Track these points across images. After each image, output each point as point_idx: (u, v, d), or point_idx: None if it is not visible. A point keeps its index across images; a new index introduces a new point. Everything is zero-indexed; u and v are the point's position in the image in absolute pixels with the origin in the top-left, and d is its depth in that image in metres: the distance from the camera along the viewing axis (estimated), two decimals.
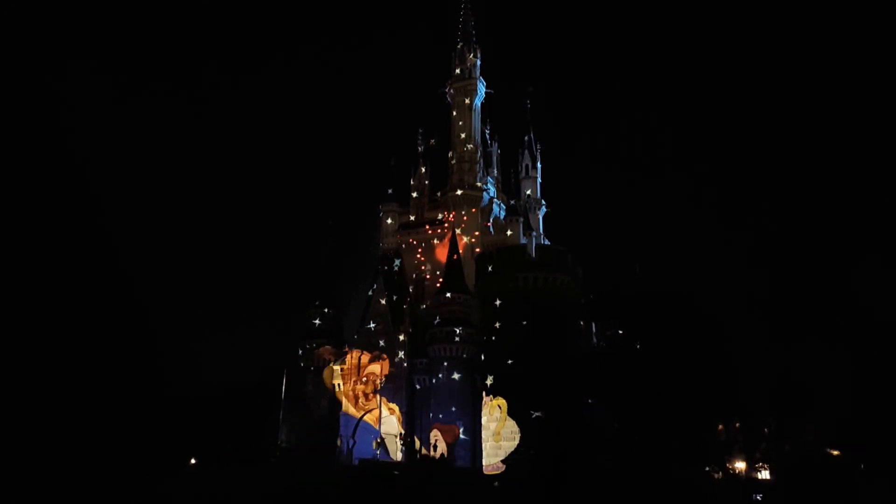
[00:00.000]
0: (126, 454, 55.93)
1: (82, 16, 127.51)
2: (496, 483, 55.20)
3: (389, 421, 66.42)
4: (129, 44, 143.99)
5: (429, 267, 77.84)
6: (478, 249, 74.11)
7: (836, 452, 56.35)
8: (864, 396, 53.89)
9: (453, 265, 69.57)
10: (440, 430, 62.45)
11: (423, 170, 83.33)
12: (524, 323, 59.53)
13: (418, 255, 78.95)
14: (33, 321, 58.99)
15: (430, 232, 79.33)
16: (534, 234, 76.37)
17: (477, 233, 77.19)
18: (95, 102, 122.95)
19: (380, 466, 59.52)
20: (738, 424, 59.29)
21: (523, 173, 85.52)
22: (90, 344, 60.83)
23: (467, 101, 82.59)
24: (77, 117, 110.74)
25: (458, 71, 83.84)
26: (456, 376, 64.05)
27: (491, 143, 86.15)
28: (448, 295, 67.23)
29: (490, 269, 63.51)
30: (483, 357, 62.99)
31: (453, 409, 62.97)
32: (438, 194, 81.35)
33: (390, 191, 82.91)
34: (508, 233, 74.21)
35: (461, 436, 61.95)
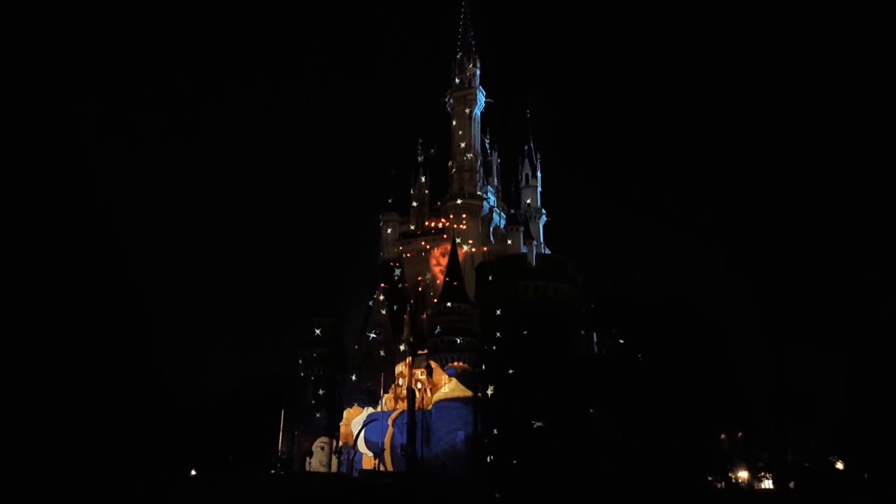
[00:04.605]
0: (129, 463, 55.60)
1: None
2: (497, 495, 54.87)
3: None
4: (137, 54, 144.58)
5: (429, 276, 77.69)
6: (478, 258, 73.95)
7: (839, 463, 56.07)
8: (867, 405, 53.65)
9: (453, 274, 69.41)
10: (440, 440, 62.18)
11: (423, 179, 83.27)
12: (525, 332, 59.24)
13: (418, 265, 78.80)
14: (39, 325, 58.97)
15: (430, 241, 79.22)
16: (534, 242, 76.30)
17: (477, 242, 77.09)
18: (112, 113, 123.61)
19: (379, 477, 59.18)
20: (740, 434, 58.99)
21: (523, 182, 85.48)
22: (94, 349, 60.77)
23: (467, 110, 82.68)
24: (94, 125, 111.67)
25: (457, 80, 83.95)
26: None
27: (491, 153, 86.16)
28: (448, 304, 67.04)
29: (490, 278, 63.22)
30: (484, 366, 62.69)
31: (455, 418, 62.66)
32: (438, 203, 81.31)
33: (390, 200, 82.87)
34: (509, 242, 74.09)
35: (461, 446, 61.58)
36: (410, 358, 67.12)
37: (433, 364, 65.19)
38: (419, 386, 65.57)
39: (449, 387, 63.84)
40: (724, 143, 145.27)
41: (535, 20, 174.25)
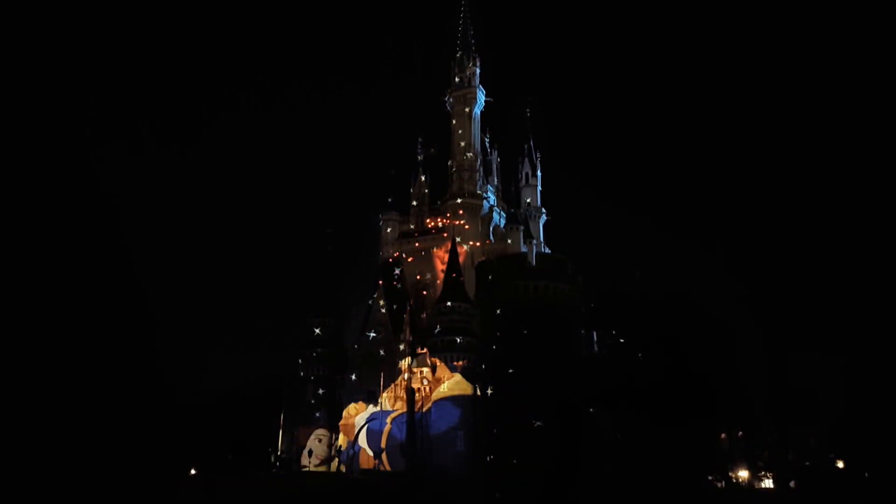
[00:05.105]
0: (129, 463, 55.65)
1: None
2: (497, 495, 54.83)
3: None
4: (137, 53, 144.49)
5: (429, 275, 77.69)
6: (478, 258, 73.90)
7: (839, 462, 56.04)
8: (867, 405, 53.61)
9: (453, 274, 69.39)
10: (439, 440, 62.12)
11: (423, 178, 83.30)
12: (525, 331, 59.21)
13: (418, 264, 78.80)
14: (39, 325, 59.00)
15: (430, 241, 79.21)
16: (534, 242, 76.30)
17: (477, 241, 77.08)
18: (112, 113, 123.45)
19: (379, 477, 59.17)
20: (741, 433, 58.91)
21: (523, 181, 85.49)
22: (95, 349, 60.83)
23: (467, 109, 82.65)
24: (94, 125, 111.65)
25: (457, 80, 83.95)
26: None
27: (491, 152, 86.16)
28: (448, 303, 67.01)
29: (490, 277, 63.18)
30: (483, 366, 62.67)
31: (454, 418, 62.63)
32: (438, 203, 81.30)
33: (390, 200, 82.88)
34: (508, 241, 74.17)
35: (461, 446, 61.53)
36: (410, 358, 67.10)
37: (437, 361, 65.02)
38: (425, 382, 65.50)
39: (448, 384, 63.75)
40: (723, 143, 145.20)
41: (535, 19, 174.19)
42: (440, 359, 64.99)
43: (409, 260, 79.28)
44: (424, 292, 76.72)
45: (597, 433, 55.38)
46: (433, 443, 62.20)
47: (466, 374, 63.85)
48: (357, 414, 68.16)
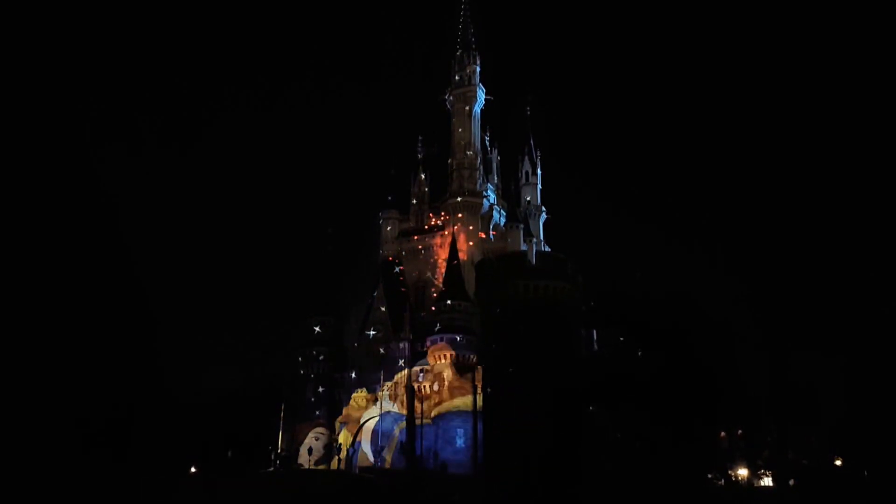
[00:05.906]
0: (129, 463, 55.73)
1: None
2: (497, 495, 54.80)
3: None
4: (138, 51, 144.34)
5: (429, 274, 77.74)
6: (478, 256, 73.89)
7: (838, 461, 56.09)
8: (867, 405, 53.64)
9: (453, 272, 69.40)
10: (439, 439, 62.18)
11: (423, 177, 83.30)
12: (524, 330, 59.16)
13: (418, 262, 78.82)
14: (39, 325, 59.05)
15: (429, 239, 79.23)
16: (534, 240, 76.23)
17: (477, 239, 77.05)
18: (112, 113, 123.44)
19: (380, 475, 59.21)
20: (740, 432, 58.92)
21: (523, 180, 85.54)
22: (95, 349, 60.88)
23: (467, 107, 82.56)
24: (94, 125, 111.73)
25: (457, 78, 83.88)
26: (457, 384, 63.73)
27: (491, 150, 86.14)
28: (448, 302, 67.10)
29: (490, 276, 63.12)
30: (483, 364, 62.67)
31: (454, 416, 62.68)
32: (438, 201, 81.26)
33: (390, 198, 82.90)
34: (508, 239, 74.20)
35: (461, 444, 61.62)
36: (412, 358, 67.17)
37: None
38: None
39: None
40: (723, 144, 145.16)
41: (535, 17, 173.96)
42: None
43: (409, 257, 79.31)
44: (430, 292, 76.63)
45: (597, 433, 55.35)
46: (433, 442, 62.30)
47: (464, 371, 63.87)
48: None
